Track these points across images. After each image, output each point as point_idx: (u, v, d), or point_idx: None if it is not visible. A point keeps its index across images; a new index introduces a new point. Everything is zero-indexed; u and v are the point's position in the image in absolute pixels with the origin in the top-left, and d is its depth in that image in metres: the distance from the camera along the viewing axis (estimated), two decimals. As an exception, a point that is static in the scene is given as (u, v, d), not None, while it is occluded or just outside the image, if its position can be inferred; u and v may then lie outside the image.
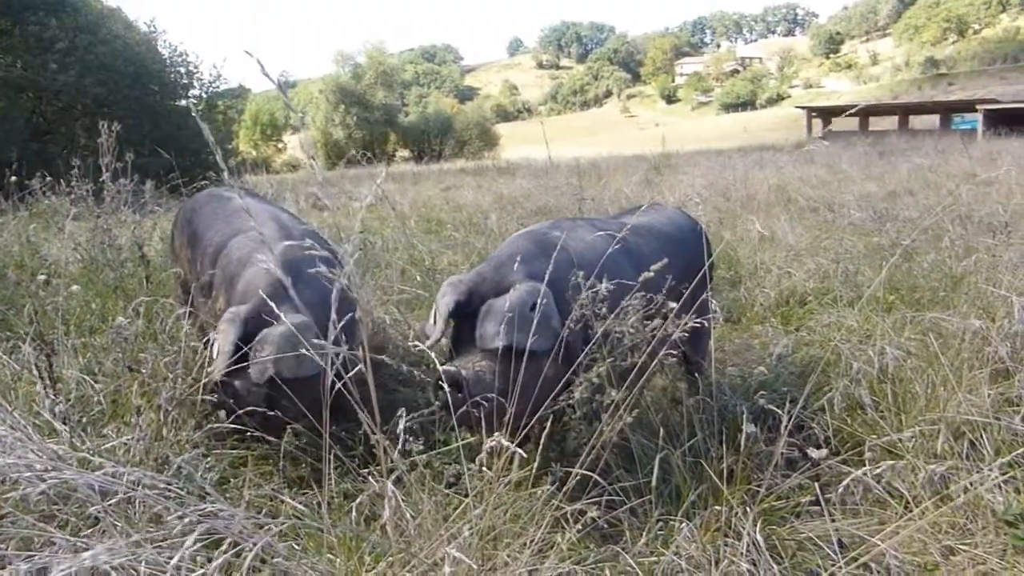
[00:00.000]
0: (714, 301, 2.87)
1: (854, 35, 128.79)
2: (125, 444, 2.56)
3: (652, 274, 2.03)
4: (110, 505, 1.90)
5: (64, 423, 2.61)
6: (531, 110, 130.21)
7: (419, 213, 8.70)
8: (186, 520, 1.62)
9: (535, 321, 2.10)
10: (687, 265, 2.75)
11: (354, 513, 1.83)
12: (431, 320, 2.42)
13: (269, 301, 2.03)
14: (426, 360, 3.47)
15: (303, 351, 2.16)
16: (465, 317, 2.33)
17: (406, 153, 45.76)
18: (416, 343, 2.28)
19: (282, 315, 2.05)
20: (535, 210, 8.45)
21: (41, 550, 1.84)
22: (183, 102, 19.41)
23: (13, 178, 5.89)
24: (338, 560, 1.70)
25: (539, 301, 2.17)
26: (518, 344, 2.09)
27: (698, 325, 2.23)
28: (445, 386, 2.07)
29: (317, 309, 2.49)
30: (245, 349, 2.46)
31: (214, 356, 2.52)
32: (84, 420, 2.73)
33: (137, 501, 2.01)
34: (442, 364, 2.10)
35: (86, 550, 1.48)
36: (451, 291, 2.35)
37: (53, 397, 2.75)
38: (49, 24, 15.52)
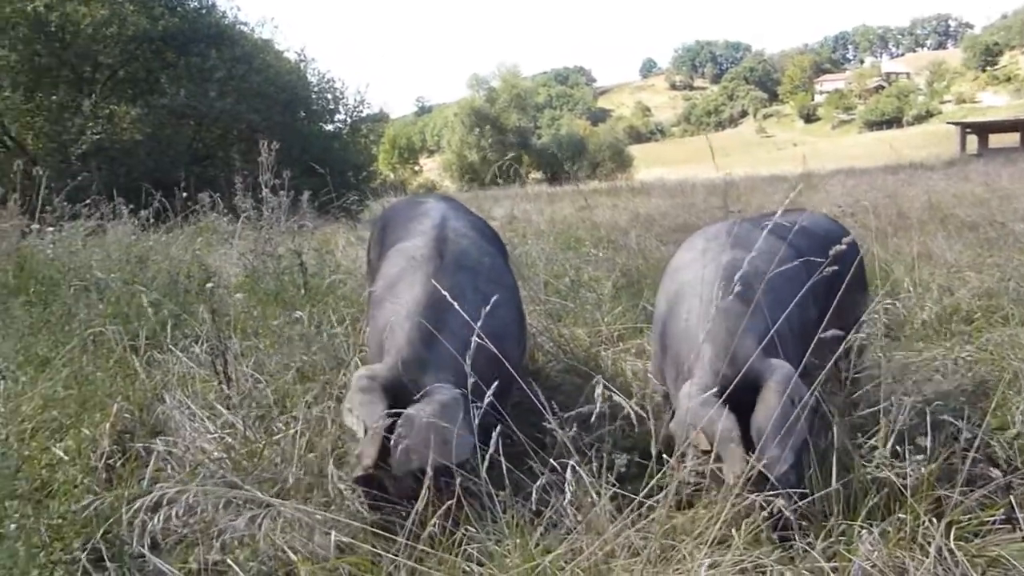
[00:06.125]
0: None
1: (1014, 45, 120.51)
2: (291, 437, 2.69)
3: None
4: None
5: (237, 416, 2.78)
6: (664, 131, 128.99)
7: (557, 230, 8.75)
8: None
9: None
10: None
11: (533, 496, 1.85)
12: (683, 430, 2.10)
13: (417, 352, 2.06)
14: (576, 369, 3.51)
15: (454, 437, 2.03)
16: None
17: (539, 175, 46.21)
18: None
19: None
20: (674, 227, 8.36)
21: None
22: (330, 127, 20.36)
23: (184, 194, 6.36)
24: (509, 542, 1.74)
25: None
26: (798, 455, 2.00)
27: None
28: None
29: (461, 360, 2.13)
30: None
31: (355, 434, 2.23)
32: (254, 415, 2.89)
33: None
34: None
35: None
36: (731, 422, 2.02)
37: (228, 392, 2.94)
38: (209, 55, 16.64)
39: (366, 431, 2.16)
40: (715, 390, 2.05)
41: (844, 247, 2.04)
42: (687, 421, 2.07)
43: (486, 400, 1.97)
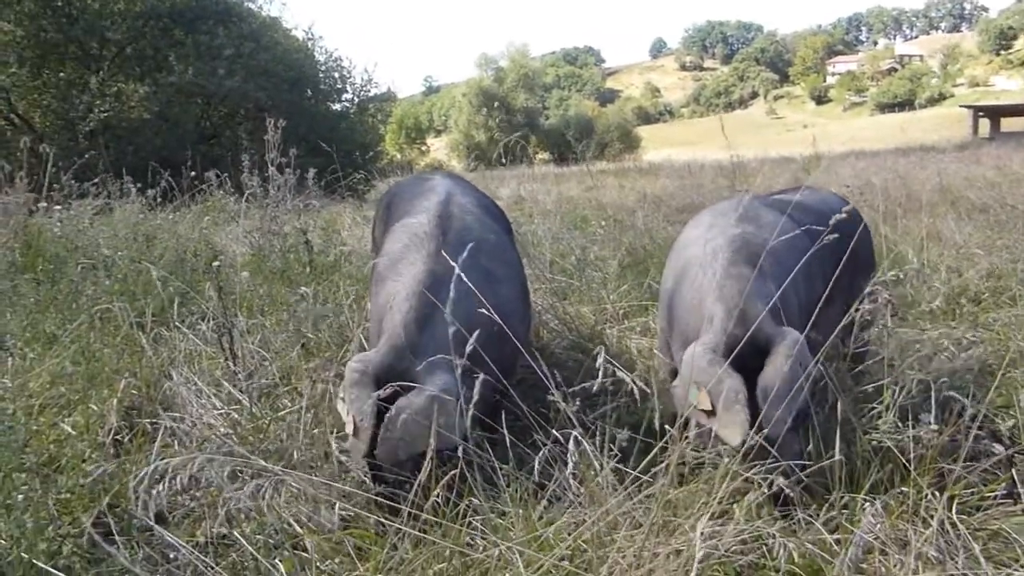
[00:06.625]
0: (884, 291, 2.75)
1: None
2: (296, 413, 2.71)
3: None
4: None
5: (243, 392, 2.79)
6: (673, 112, 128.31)
7: (563, 210, 8.73)
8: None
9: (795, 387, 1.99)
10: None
11: (536, 466, 1.87)
12: (694, 395, 2.07)
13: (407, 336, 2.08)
14: (581, 346, 3.51)
15: (439, 426, 2.01)
16: None
17: (546, 156, 45.99)
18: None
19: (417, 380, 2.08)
20: (681, 207, 8.34)
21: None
22: (337, 106, 20.28)
23: (192, 173, 6.37)
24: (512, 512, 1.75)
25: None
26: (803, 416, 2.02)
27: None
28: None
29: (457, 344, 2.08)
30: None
31: (347, 428, 2.21)
32: (259, 391, 2.91)
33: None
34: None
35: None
36: (738, 382, 2.01)
37: (234, 369, 2.95)
38: (217, 33, 16.55)
39: (355, 428, 2.16)
40: (722, 350, 2.05)
41: (844, 215, 2.02)
42: (692, 380, 2.07)
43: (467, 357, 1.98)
